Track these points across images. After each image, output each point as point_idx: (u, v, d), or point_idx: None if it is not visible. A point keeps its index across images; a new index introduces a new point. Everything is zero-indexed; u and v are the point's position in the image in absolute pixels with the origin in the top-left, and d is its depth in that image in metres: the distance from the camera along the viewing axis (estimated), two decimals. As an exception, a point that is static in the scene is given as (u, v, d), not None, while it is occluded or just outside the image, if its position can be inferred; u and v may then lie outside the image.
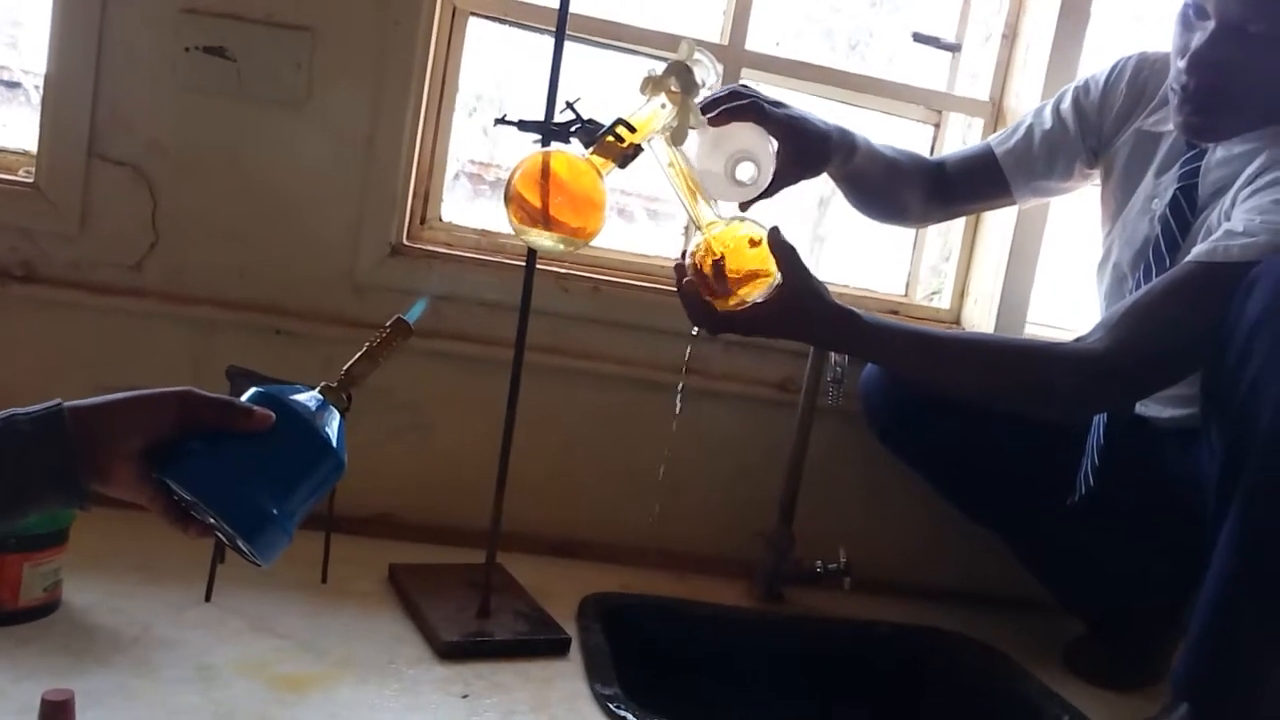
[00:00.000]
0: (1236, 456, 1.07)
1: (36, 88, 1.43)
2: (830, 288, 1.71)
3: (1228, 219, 1.17)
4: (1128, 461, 1.35)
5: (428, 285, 1.49)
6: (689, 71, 1.07)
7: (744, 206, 1.20)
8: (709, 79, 1.11)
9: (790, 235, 1.10)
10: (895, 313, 1.74)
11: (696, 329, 1.13)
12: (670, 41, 1.60)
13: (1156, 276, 1.25)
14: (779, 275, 1.10)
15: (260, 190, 1.45)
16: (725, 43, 1.63)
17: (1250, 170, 1.16)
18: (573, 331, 1.54)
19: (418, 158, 1.55)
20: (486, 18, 1.59)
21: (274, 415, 0.81)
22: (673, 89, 1.07)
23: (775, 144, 1.19)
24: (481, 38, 1.62)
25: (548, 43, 1.62)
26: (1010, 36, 1.70)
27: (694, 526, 1.60)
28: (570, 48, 1.65)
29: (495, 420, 1.26)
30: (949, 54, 1.80)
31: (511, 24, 1.60)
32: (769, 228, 1.08)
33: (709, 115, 1.14)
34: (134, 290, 1.44)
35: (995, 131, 1.69)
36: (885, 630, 1.49)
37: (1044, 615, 1.55)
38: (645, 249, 1.67)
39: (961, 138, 1.78)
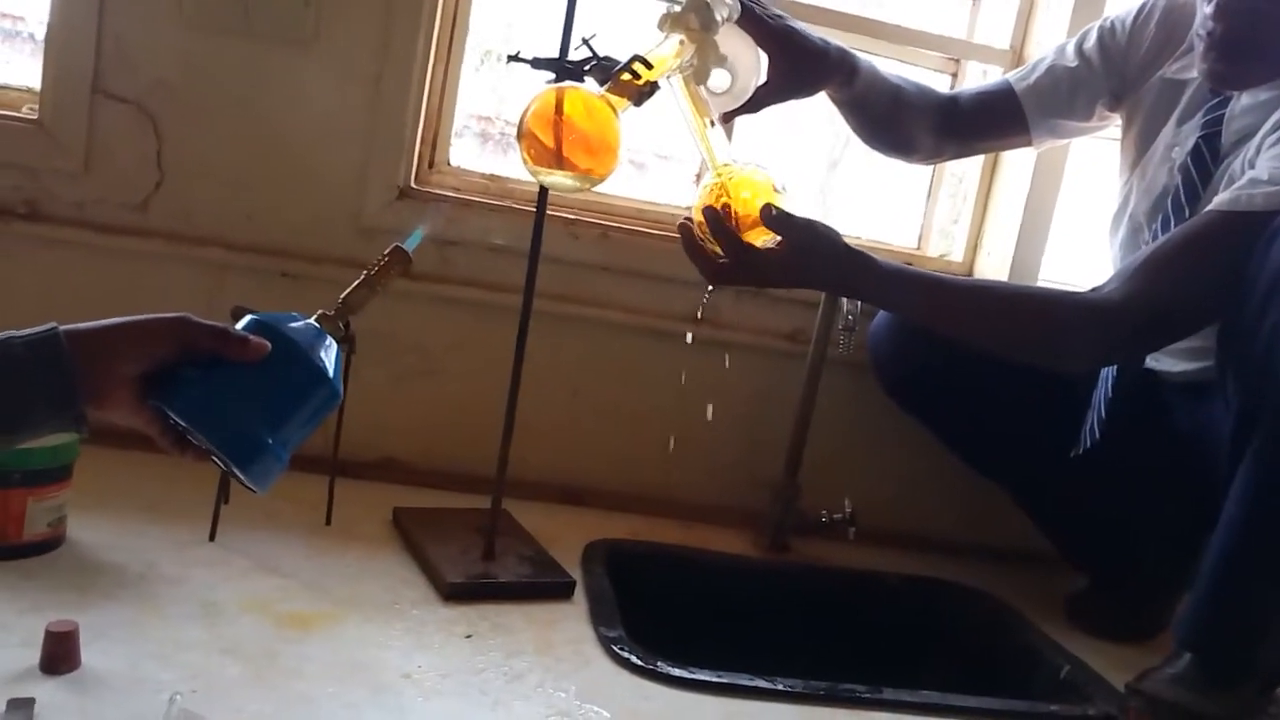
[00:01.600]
0: (1253, 408, 1.06)
1: (41, 23, 1.41)
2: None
3: (1251, 167, 1.14)
4: (1135, 415, 1.34)
5: (436, 228, 1.47)
6: (708, 8, 1.04)
7: (726, 119, 1.17)
8: (730, 15, 1.08)
9: (800, 192, 1.08)
10: (909, 263, 1.72)
11: (709, 291, 1.11)
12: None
13: (1175, 225, 1.23)
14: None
15: (267, 130, 1.43)
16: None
17: (1276, 118, 1.13)
18: (581, 278, 1.53)
19: (426, 102, 1.53)
20: (497, -43, 1.56)
21: (269, 344, 0.80)
22: (691, 25, 1.04)
23: (764, 57, 1.16)
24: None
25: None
26: (1033, -13, 1.67)
27: (701, 476, 1.60)
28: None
29: (502, 366, 1.25)
30: (969, 2, 1.76)
31: (523, -36, 1.57)
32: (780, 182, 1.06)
33: None
34: (139, 230, 1.42)
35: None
36: (890, 580, 1.49)
37: (1048, 567, 1.55)
38: (655, 196, 1.65)
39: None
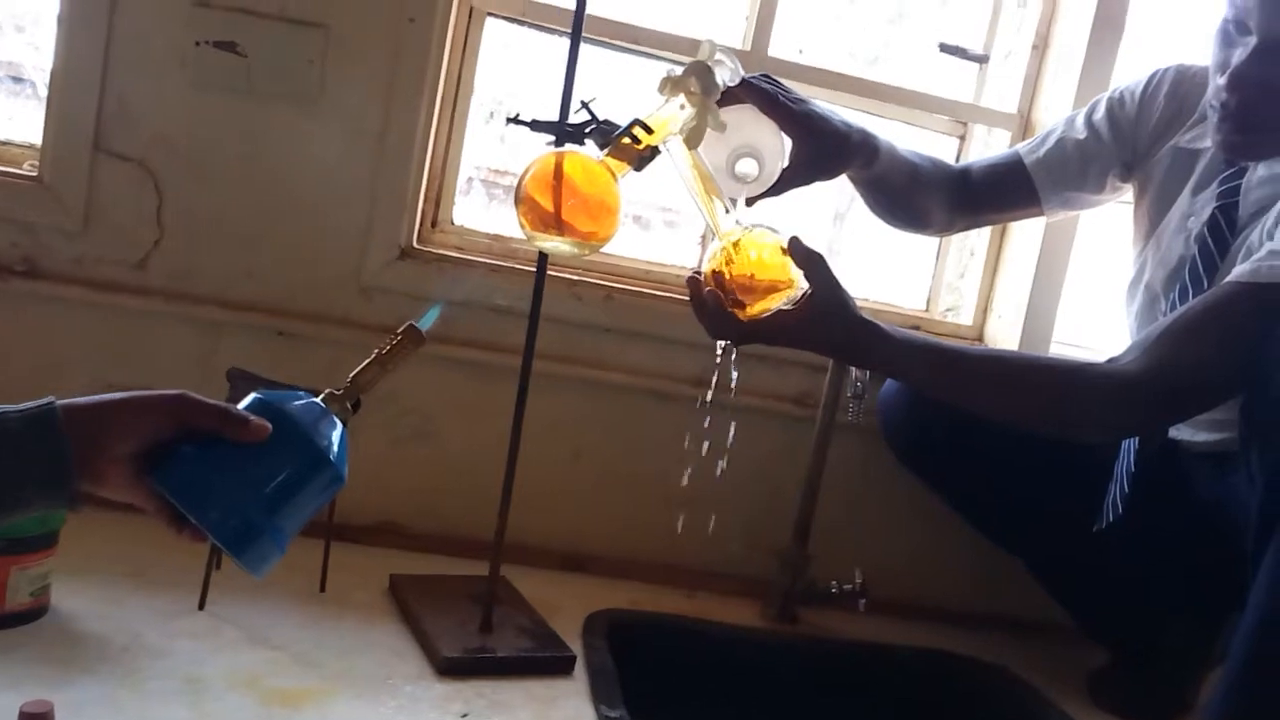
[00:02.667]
0: (1278, 490, 1.02)
1: (43, 78, 1.40)
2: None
3: (1270, 238, 1.11)
4: (1158, 487, 1.30)
5: (437, 289, 1.45)
6: (709, 72, 1.03)
7: (750, 202, 1.16)
8: (730, 81, 1.07)
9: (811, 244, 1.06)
10: (916, 327, 1.70)
11: (721, 343, 1.08)
12: (691, 47, 1.56)
13: (1192, 296, 1.21)
14: (801, 284, 1.06)
15: (268, 189, 1.42)
16: (748, 48, 1.59)
17: (1294, 188, 1.11)
18: (585, 340, 1.50)
19: (430, 160, 1.52)
20: (504, 18, 1.55)
21: (270, 425, 0.78)
22: (692, 89, 1.03)
23: (788, 141, 1.14)
24: (500, 40, 1.59)
25: (566, 45, 1.61)
26: (1041, 47, 1.66)
27: (706, 543, 1.55)
28: (588, 51, 1.63)
29: (504, 429, 1.23)
30: (976, 66, 1.76)
31: (530, 25, 1.57)
32: (790, 236, 1.04)
33: (725, 92, 1.10)
34: (138, 288, 1.41)
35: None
36: (903, 654, 1.44)
37: (1068, 640, 1.50)
38: (660, 257, 1.63)
39: (985, 151, 1.74)
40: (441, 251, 1.49)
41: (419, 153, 1.45)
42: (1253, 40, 1.08)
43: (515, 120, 1.12)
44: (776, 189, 1.15)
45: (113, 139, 1.38)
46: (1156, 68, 1.36)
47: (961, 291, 1.75)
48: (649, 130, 1.02)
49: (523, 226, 1.01)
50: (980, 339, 1.71)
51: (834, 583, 1.45)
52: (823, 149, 1.17)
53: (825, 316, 1.06)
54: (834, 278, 1.06)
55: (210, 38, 1.37)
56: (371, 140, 1.42)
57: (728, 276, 1.05)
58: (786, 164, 1.14)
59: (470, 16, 1.53)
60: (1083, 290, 1.73)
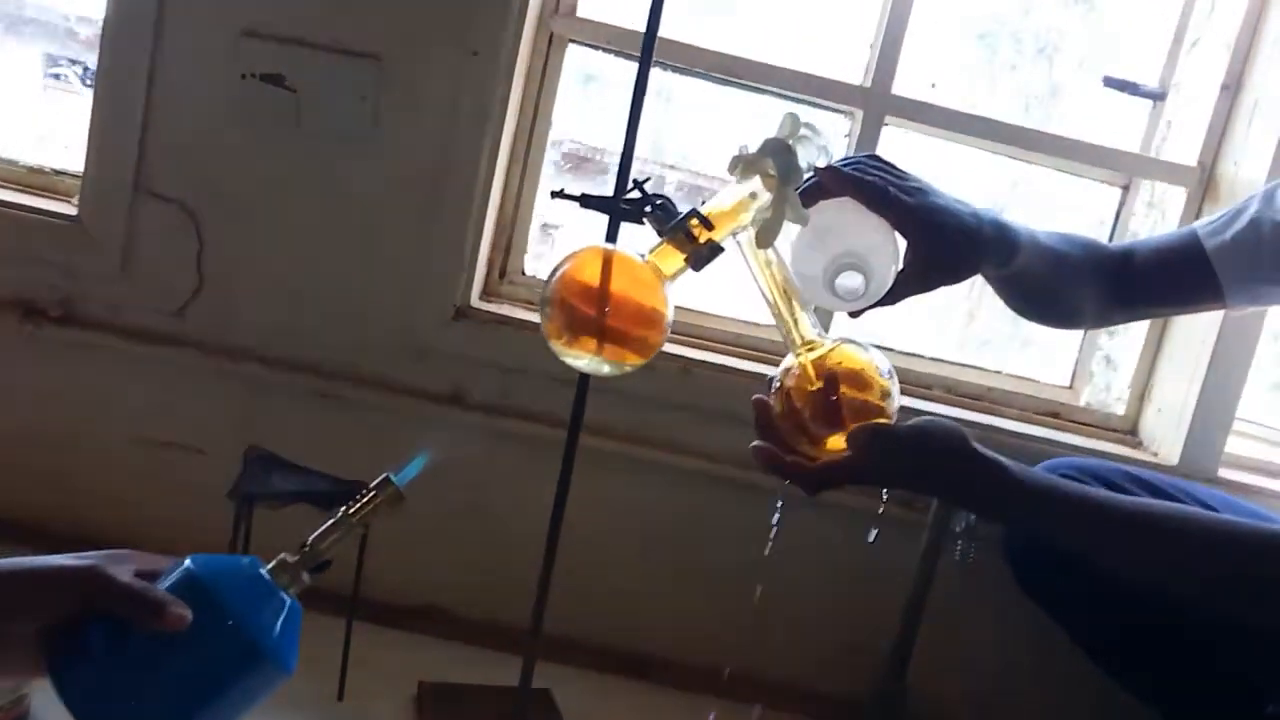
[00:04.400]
0: None
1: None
2: (973, 372, 1.46)
3: None
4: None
5: (493, 354, 1.29)
6: (790, 152, 0.82)
7: (854, 315, 0.94)
8: (818, 162, 0.86)
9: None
10: (1055, 414, 1.44)
11: (789, 482, 0.88)
12: (800, 82, 1.36)
13: None
14: (894, 413, 0.85)
15: (315, 236, 1.29)
16: (868, 84, 1.37)
17: None
18: (657, 417, 1.32)
19: (499, 205, 1.36)
20: (588, 45, 1.37)
21: (189, 614, 0.63)
22: (769, 173, 0.82)
23: (903, 241, 0.91)
24: (583, 71, 1.42)
25: (663, 76, 1.43)
26: (1232, 87, 1.36)
27: (794, 656, 1.36)
28: (688, 85, 1.44)
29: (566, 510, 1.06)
30: (1149, 104, 1.48)
31: (616, 53, 1.38)
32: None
33: (815, 183, 0.88)
34: (175, 339, 1.30)
35: (1202, 204, 1.38)
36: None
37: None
38: (749, 314, 1.43)
39: (1150, 202, 1.46)
40: (501, 311, 1.33)
41: (480, 200, 1.29)
42: None
43: (561, 194, 0.95)
44: (889, 299, 0.92)
45: (154, 178, 1.27)
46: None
47: (1115, 371, 1.47)
48: (709, 225, 0.82)
49: (548, 336, 0.83)
50: (1134, 432, 1.44)
51: (932, 725, 1.23)
52: (947, 251, 0.93)
53: (927, 453, 0.85)
54: (909, 427, 0.84)
55: (257, 69, 1.24)
56: (427, 185, 1.27)
57: (805, 400, 0.84)
58: (900, 268, 0.92)
59: (550, 43, 1.35)
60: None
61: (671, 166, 1.92)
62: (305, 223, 1.28)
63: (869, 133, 1.37)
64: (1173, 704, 1.18)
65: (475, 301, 1.34)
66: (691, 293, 1.40)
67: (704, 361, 1.33)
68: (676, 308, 1.44)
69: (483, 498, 1.34)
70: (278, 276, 1.29)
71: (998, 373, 1.48)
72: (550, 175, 1.44)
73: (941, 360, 1.46)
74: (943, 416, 1.32)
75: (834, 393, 0.84)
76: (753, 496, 1.31)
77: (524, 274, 1.41)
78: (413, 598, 1.35)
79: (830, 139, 0.85)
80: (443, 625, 1.34)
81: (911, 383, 1.43)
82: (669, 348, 1.34)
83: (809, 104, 1.41)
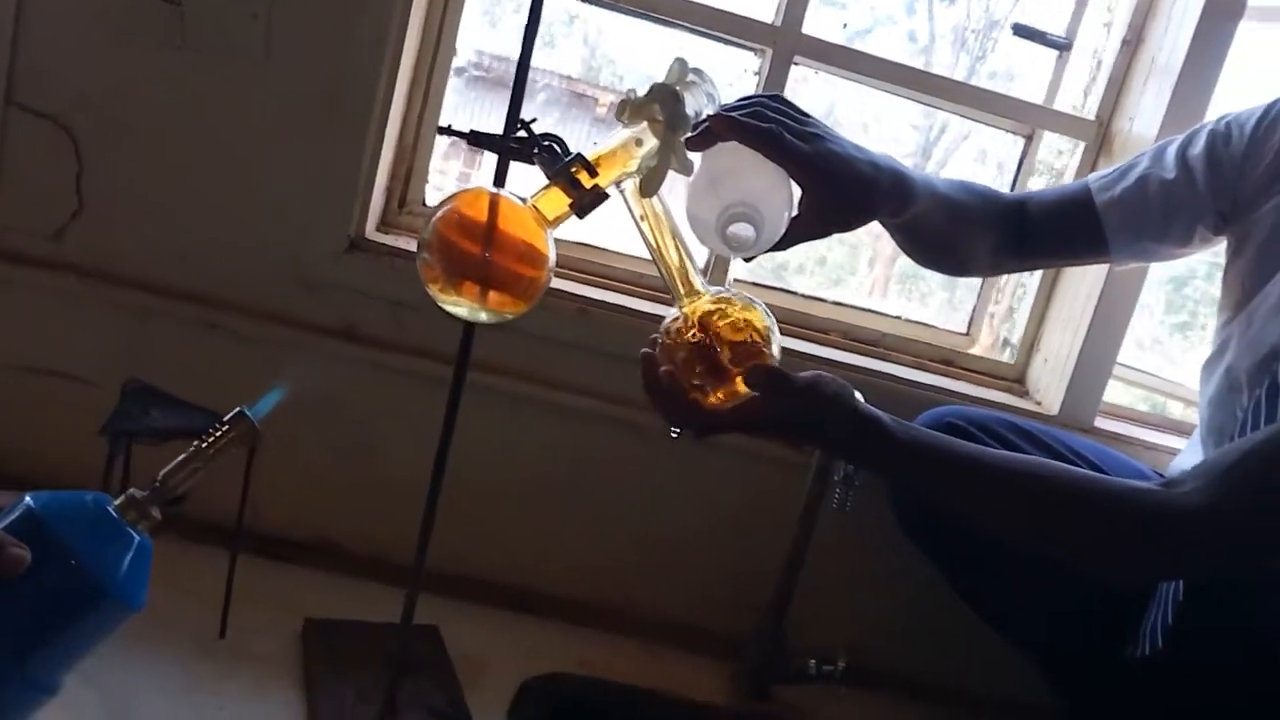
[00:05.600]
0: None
1: None
2: (871, 317, 1.48)
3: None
4: (1208, 614, 1.08)
5: (387, 287, 1.27)
6: (677, 99, 0.80)
7: (747, 259, 0.94)
8: (706, 109, 0.84)
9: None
10: (949, 362, 1.47)
11: (676, 431, 0.88)
12: (712, 18, 1.34)
13: (1282, 403, 0.97)
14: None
15: (203, 161, 1.24)
16: (778, 23, 1.35)
17: None
18: (553, 357, 1.31)
19: (399, 133, 1.32)
20: (494, -31, 1.33)
21: (28, 555, 0.61)
22: (656, 118, 0.81)
23: (797, 190, 0.90)
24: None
25: (582, 8, 1.39)
26: (1132, 42, 1.38)
27: (677, 593, 1.39)
28: (601, 16, 1.40)
29: (454, 447, 1.05)
30: (1054, 56, 1.49)
31: (523, -21, 1.33)
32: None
33: (706, 129, 0.86)
34: (53, 262, 1.25)
35: (1097, 158, 1.40)
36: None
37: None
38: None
39: (1056, 154, 1.48)
40: (398, 244, 1.30)
41: (377, 126, 1.25)
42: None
43: (448, 131, 0.92)
44: (782, 244, 0.91)
45: (27, 92, 1.21)
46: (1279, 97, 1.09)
47: (1014, 324, 1.51)
48: (593, 171, 0.80)
49: (426, 281, 0.81)
50: (1022, 381, 1.48)
51: (813, 662, 1.27)
52: (842, 199, 0.92)
53: (809, 405, 0.86)
54: (805, 377, 0.84)
55: (138, -20, 1.17)
56: (322, 110, 1.23)
57: (692, 351, 0.84)
58: (795, 214, 0.91)
59: (455, -34, 1.31)
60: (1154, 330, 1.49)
61: (606, 88, 1.89)
62: (192, 146, 1.23)
63: (777, 71, 1.36)
64: (1044, 649, 1.24)
65: (371, 233, 1.31)
66: (591, 230, 1.38)
67: (602, 301, 1.32)
68: (577, 245, 1.43)
69: (374, 434, 1.33)
70: (163, 201, 1.24)
71: (896, 318, 1.50)
72: (457, 98, 1.40)
73: (842, 305, 1.48)
74: (838, 361, 1.35)
75: (718, 343, 0.84)
76: (646, 437, 1.33)
77: (425, 205, 1.38)
78: (302, 532, 1.34)
79: (717, 86, 0.84)
80: (332, 560, 1.33)
81: (810, 328, 1.44)
82: (567, 287, 1.34)
83: (721, 40, 1.39)
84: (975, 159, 1.62)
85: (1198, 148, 1.10)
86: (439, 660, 1.16)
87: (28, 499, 0.64)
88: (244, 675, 1.07)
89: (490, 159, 0.93)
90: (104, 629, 0.65)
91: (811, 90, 1.55)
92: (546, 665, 1.22)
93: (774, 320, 0.85)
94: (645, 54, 1.62)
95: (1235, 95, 1.36)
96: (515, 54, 0.93)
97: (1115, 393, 1.49)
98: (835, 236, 0.98)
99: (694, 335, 0.84)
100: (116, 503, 0.66)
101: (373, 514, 1.33)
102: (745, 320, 0.85)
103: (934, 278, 1.67)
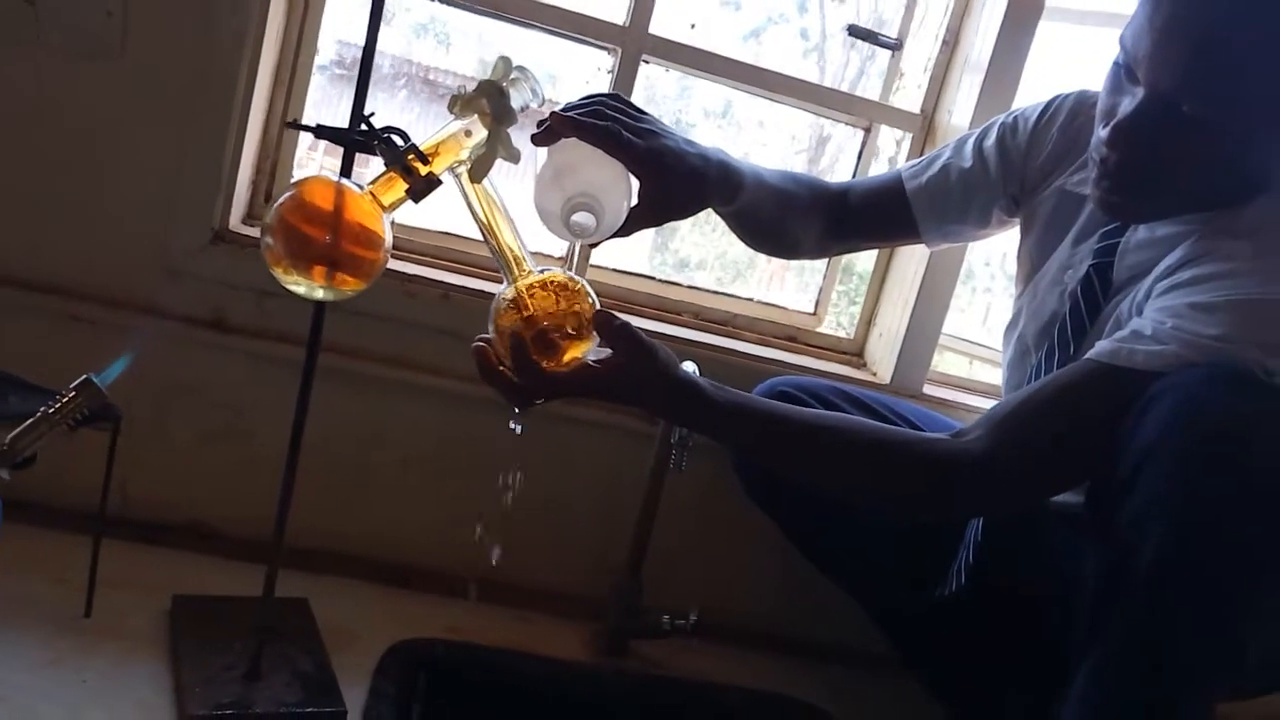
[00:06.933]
0: (1110, 597, 0.93)
1: None
2: (722, 299, 1.57)
3: (1139, 313, 1.00)
4: (1010, 552, 1.21)
5: (252, 278, 1.31)
6: (503, 94, 0.88)
7: (591, 246, 1.02)
8: (531, 103, 0.92)
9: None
10: (793, 338, 1.58)
11: (516, 426, 0.96)
12: (562, 19, 1.42)
13: (1059, 361, 1.10)
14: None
15: (62, 156, 1.26)
16: (626, 23, 1.43)
17: (1170, 261, 0.99)
18: (418, 341, 1.37)
19: (263, 128, 1.37)
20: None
21: None
22: (484, 111, 0.88)
23: (635, 182, 0.99)
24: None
25: (433, 8, 1.45)
26: (951, 43, 1.50)
27: (543, 560, 1.46)
28: (451, 15, 1.47)
29: (318, 429, 1.11)
30: (889, 53, 1.60)
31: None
32: (597, 311, 0.91)
33: (548, 127, 0.94)
34: (-94, 257, 1.26)
35: (923, 149, 1.53)
36: (731, 697, 1.36)
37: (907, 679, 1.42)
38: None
39: (893, 145, 1.60)
40: (250, 235, 1.34)
41: (239, 122, 1.29)
42: (1140, 92, 0.95)
43: (296, 125, 0.98)
44: (623, 231, 1.00)
45: (-123, 88, 1.22)
46: (1060, 93, 1.22)
47: (850, 300, 1.62)
48: (425, 159, 0.87)
49: (270, 263, 0.87)
50: (860, 354, 1.59)
51: (667, 617, 1.36)
52: (675, 190, 1.02)
53: (639, 377, 0.94)
54: (646, 341, 0.93)
55: (-10, -22, 1.20)
56: (181, 106, 1.26)
57: (522, 328, 0.92)
58: (634, 203, 1.00)
59: (313, -37, 1.35)
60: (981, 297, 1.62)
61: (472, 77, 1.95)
62: (50, 141, 1.25)
63: (627, 70, 1.44)
64: (872, 595, 1.35)
65: (235, 225, 1.35)
66: (450, 219, 1.45)
67: (463, 287, 1.38)
68: (439, 234, 1.49)
69: (242, 418, 1.37)
70: (21, 195, 1.26)
71: (748, 300, 1.60)
72: (320, 95, 1.45)
73: (696, 288, 1.57)
74: (689, 339, 1.45)
75: (546, 316, 0.92)
76: (505, 415, 1.39)
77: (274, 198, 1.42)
78: (174, 516, 1.37)
79: (540, 82, 0.91)
80: (204, 543, 1.37)
81: (664, 309, 1.53)
82: (429, 273, 1.40)
83: (571, 39, 1.46)
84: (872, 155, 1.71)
85: (990, 139, 1.22)
86: (307, 630, 1.21)
87: None
88: (109, 650, 1.11)
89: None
90: None
91: (705, 92, 1.66)
92: (416, 633, 1.28)
93: (595, 295, 0.93)
94: (535, 57, 1.68)
95: (1046, 88, 1.49)
96: (382, 45, 0.99)
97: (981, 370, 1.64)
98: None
99: (525, 308, 0.92)
100: None
101: (243, 496, 1.37)
102: (571, 291, 0.93)
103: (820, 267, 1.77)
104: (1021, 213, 1.23)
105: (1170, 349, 0.93)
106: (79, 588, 1.16)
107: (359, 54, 1.54)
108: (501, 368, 0.93)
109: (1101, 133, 0.98)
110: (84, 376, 0.75)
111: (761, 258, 1.80)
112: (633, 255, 1.66)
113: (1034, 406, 0.99)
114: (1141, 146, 0.95)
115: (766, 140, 1.96)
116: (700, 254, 2.00)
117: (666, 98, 1.69)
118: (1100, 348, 0.97)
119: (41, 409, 0.74)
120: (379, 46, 0.97)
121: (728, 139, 1.03)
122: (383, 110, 1.54)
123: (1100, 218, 1.11)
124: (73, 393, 0.74)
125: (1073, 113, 1.18)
